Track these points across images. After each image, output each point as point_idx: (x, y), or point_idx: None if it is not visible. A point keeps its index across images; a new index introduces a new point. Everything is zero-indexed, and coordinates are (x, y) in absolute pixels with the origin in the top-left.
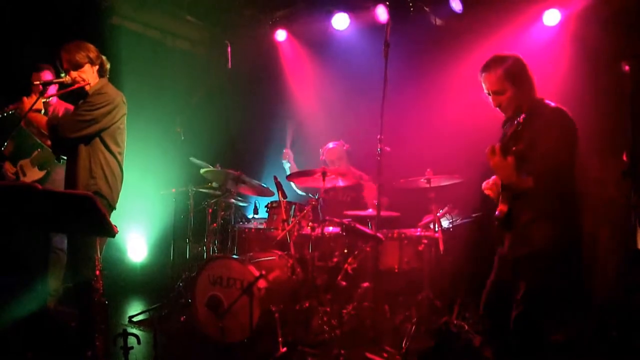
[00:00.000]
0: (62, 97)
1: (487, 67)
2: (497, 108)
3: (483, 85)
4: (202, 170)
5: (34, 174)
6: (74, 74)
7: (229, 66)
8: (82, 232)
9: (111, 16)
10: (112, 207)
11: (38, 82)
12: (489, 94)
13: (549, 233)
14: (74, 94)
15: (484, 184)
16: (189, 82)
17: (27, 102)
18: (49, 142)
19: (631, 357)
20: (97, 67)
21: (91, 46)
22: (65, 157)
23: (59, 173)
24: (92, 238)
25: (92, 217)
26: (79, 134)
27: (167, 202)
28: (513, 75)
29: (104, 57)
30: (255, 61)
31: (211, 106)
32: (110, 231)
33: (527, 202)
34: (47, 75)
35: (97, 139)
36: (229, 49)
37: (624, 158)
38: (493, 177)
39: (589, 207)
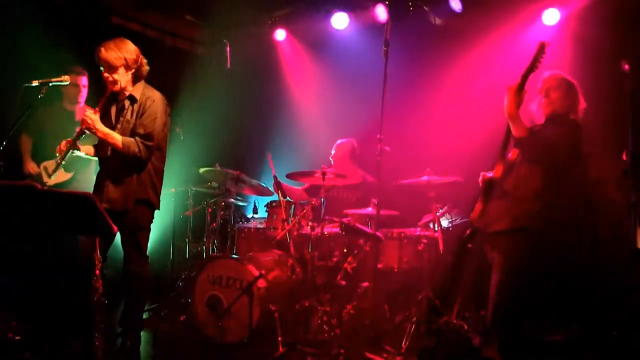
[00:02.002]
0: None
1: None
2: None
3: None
4: (201, 170)
5: (60, 176)
6: (106, 74)
7: (228, 66)
8: (82, 232)
9: (111, 16)
10: (156, 209)
11: (37, 82)
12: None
13: (533, 210)
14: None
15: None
16: (189, 82)
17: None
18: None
19: (631, 357)
20: (132, 71)
21: (131, 47)
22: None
23: (85, 175)
24: (136, 240)
25: (92, 217)
26: (152, 150)
27: (166, 201)
28: (568, 88)
29: (144, 60)
30: (254, 61)
31: (211, 106)
32: (110, 231)
33: (517, 178)
34: (84, 80)
35: None
36: (228, 49)
37: (624, 157)
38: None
39: (588, 206)
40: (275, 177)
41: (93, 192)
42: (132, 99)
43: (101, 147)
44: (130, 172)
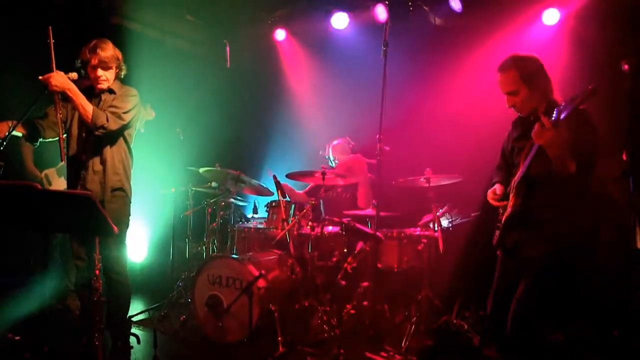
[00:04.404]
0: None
1: (502, 68)
2: (512, 108)
3: (499, 85)
4: (201, 170)
5: (60, 184)
6: (100, 72)
7: (228, 66)
8: (82, 232)
9: (111, 16)
10: (130, 200)
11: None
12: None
13: (572, 231)
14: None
15: (489, 194)
16: (189, 82)
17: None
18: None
19: (631, 357)
20: (117, 70)
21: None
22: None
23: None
24: (121, 238)
25: (92, 217)
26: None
27: (167, 201)
28: (527, 77)
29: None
30: (254, 60)
31: (210, 106)
32: (110, 231)
33: (550, 198)
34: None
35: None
36: (228, 49)
37: (624, 157)
38: (494, 187)
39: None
40: (274, 177)
41: (68, 185)
42: (111, 91)
43: (72, 138)
44: (104, 161)
